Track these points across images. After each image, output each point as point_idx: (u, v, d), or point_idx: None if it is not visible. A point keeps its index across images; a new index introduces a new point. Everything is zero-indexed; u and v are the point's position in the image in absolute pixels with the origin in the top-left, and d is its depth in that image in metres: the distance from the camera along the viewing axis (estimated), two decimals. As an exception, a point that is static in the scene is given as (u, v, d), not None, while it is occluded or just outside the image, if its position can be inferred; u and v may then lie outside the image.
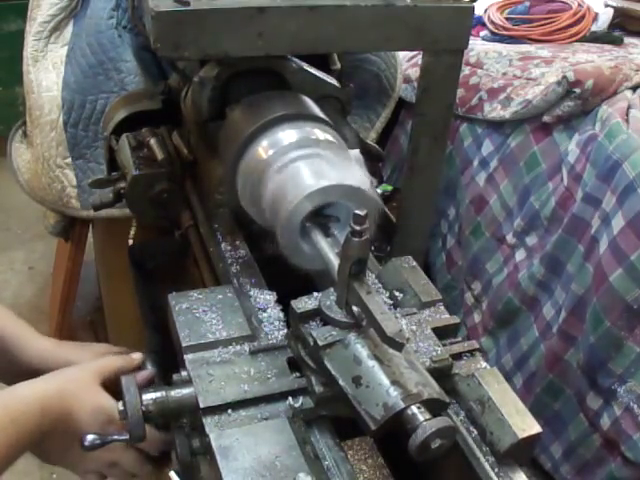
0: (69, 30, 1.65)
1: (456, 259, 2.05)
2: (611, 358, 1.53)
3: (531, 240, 1.78)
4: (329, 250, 0.78)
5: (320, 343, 0.74)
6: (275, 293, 0.92)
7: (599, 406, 1.59)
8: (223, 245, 1.04)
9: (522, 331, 1.80)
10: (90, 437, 0.79)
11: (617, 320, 1.49)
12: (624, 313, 1.48)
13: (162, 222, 1.23)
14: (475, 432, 0.78)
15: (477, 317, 1.97)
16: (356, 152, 0.93)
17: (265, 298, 0.91)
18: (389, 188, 2.23)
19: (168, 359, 0.95)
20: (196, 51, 0.95)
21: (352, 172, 0.85)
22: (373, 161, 1.25)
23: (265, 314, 0.88)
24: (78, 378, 0.88)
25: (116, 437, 0.80)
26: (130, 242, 1.75)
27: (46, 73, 1.61)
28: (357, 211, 0.68)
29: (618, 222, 1.47)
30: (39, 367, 0.96)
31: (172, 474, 1.03)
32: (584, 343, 1.57)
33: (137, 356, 0.99)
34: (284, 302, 0.83)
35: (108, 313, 1.95)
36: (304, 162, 0.87)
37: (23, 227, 2.86)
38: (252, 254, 1.02)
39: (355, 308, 0.74)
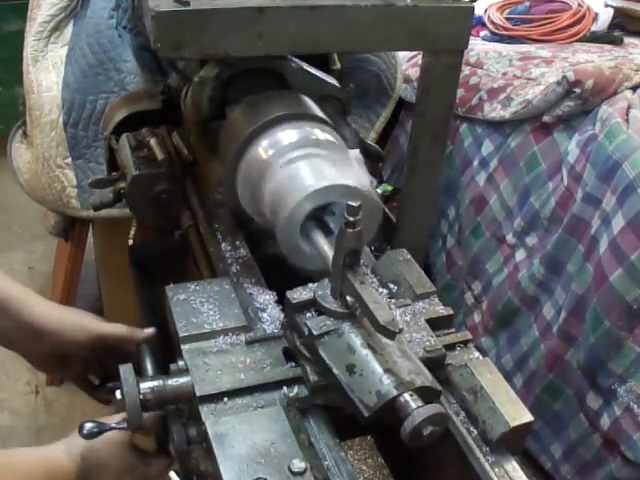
0: (69, 30, 1.65)
1: (456, 259, 2.05)
2: (611, 358, 1.53)
3: (531, 240, 1.78)
4: (328, 248, 0.78)
5: (315, 332, 0.75)
6: (275, 293, 0.92)
7: (599, 406, 1.59)
8: (223, 245, 1.04)
9: (522, 331, 1.80)
10: (88, 425, 0.79)
11: (617, 320, 1.49)
12: (624, 313, 1.48)
13: (162, 222, 1.23)
14: (475, 432, 0.78)
15: (477, 317, 1.97)
16: (356, 152, 0.93)
17: (265, 298, 0.92)
18: (389, 188, 2.23)
19: (167, 358, 0.95)
20: (196, 51, 0.95)
21: (352, 172, 0.85)
22: (373, 161, 1.25)
23: (265, 314, 0.88)
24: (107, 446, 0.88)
25: (114, 425, 0.80)
26: (130, 242, 1.75)
27: (46, 73, 1.61)
28: (351, 202, 0.69)
29: (618, 222, 1.47)
30: (41, 327, 0.98)
31: (172, 474, 1.03)
32: (584, 343, 1.57)
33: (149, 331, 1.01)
34: (284, 302, 0.84)
35: (108, 313, 1.95)
36: (304, 162, 0.87)
37: (23, 227, 2.86)
38: (252, 254, 1.02)
39: (349, 298, 0.75)
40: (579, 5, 2.15)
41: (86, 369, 1.08)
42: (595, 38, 2.13)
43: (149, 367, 0.93)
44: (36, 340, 0.99)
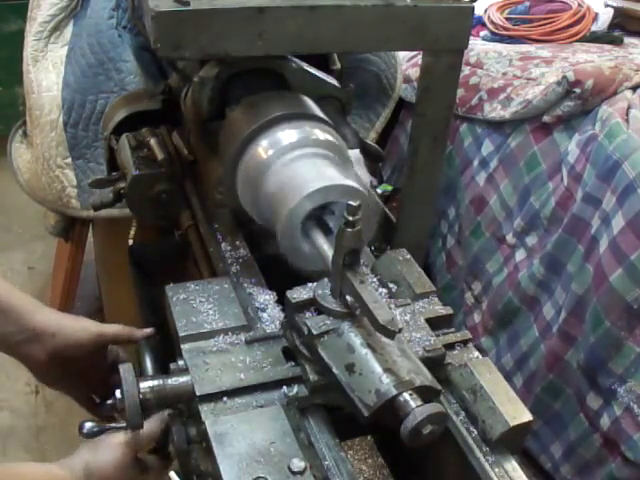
0: (69, 30, 1.65)
1: (456, 259, 2.05)
2: (611, 358, 1.53)
3: (531, 240, 1.78)
4: (328, 248, 0.78)
5: (314, 332, 0.75)
6: (275, 293, 0.92)
7: (599, 406, 1.59)
8: (223, 245, 1.04)
9: (522, 331, 1.80)
10: (88, 425, 0.79)
11: (617, 320, 1.49)
12: (624, 313, 1.48)
13: (162, 222, 1.23)
14: (475, 432, 0.78)
15: (477, 317, 1.97)
16: (356, 152, 0.93)
17: (265, 298, 0.92)
18: (389, 188, 2.23)
19: (167, 358, 0.95)
20: (196, 51, 0.95)
21: (352, 172, 0.85)
22: (373, 161, 1.25)
23: (265, 314, 0.88)
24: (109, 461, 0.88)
25: (114, 425, 0.80)
26: (130, 242, 1.75)
27: (46, 73, 1.61)
28: (351, 202, 0.69)
29: (618, 222, 1.47)
30: (42, 330, 0.98)
31: (172, 474, 1.03)
32: (584, 343, 1.57)
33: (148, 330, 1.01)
34: (284, 302, 0.84)
35: (108, 313, 1.95)
36: (304, 162, 0.87)
37: (23, 227, 2.86)
38: (252, 254, 1.02)
39: (349, 298, 0.75)
40: (579, 5, 2.15)
41: (88, 387, 1.08)
42: (595, 38, 2.13)
43: (149, 366, 0.93)
44: (37, 343, 0.99)
